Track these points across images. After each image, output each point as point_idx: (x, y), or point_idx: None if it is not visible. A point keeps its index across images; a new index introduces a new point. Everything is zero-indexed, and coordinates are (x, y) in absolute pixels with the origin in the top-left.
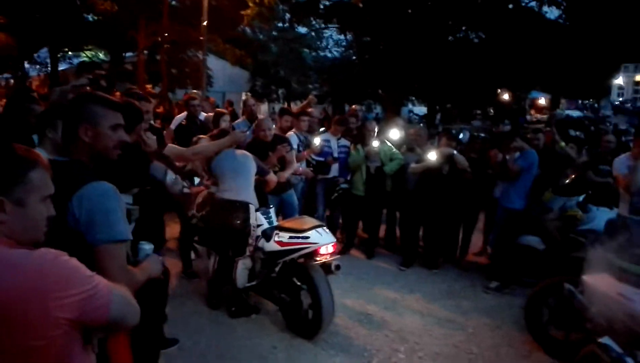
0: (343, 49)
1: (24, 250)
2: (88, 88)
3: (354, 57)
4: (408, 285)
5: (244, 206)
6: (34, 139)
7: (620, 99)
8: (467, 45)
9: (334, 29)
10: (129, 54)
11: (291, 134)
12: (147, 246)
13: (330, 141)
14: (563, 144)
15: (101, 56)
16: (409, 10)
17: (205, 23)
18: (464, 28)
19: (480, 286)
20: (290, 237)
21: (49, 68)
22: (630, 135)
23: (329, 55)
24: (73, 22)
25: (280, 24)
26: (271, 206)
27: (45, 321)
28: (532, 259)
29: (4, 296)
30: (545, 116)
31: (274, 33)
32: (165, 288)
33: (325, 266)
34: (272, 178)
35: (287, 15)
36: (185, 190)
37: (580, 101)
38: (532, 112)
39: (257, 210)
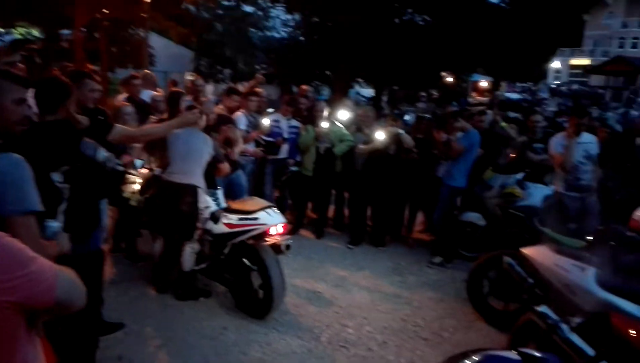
0: (291, 29)
1: None
2: (20, 65)
3: (301, 38)
4: (356, 262)
5: (192, 189)
6: None
7: (557, 82)
8: (413, 28)
9: (281, 8)
10: (65, 31)
11: (239, 115)
12: (54, 224)
13: (280, 121)
14: (504, 124)
15: (35, 33)
16: None
17: None
18: (409, 10)
19: (425, 262)
20: (240, 219)
21: None
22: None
23: (277, 35)
24: None
25: (225, 2)
26: (219, 187)
27: None
28: (473, 234)
29: None
30: (486, 99)
31: (219, 11)
32: (100, 270)
33: (276, 247)
34: (224, 166)
35: None
36: (119, 168)
37: (518, 84)
38: (474, 94)
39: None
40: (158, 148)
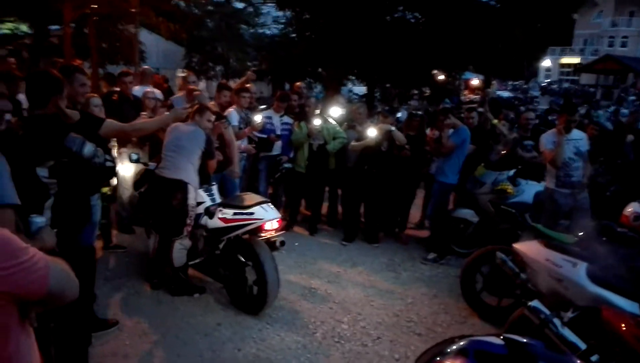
0: (282, 25)
1: None
2: (10, 59)
3: (293, 35)
4: (350, 259)
5: (182, 185)
6: None
7: (548, 80)
8: (404, 25)
9: (273, 5)
10: (54, 27)
11: (231, 111)
12: (39, 219)
13: (272, 118)
14: (495, 121)
15: (24, 28)
16: None
17: None
18: (400, 8)
19: (419, 258)
20: (235, 214)
21: None
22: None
23: (268, 32)
24: None
25: None
26: (213, 183)
27: None
28: (466, 231)
29: None
30: (477, 97)
31: (210, 7)
32: (91, 267)
33: (270, 242)
34: (212, 163)
35: None
36: (108, 164)
37: (510, 82)
38: (466, 92)
39: (200, 188)
40: (152, 143)
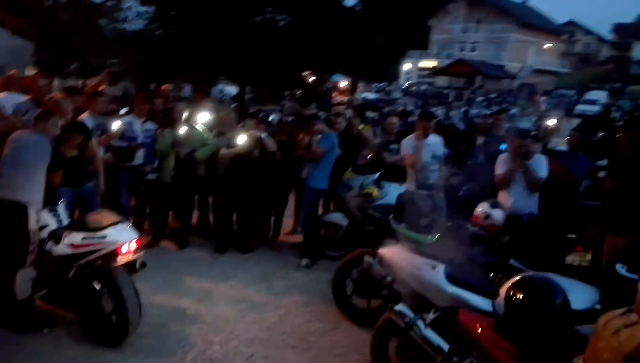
0: (147, 21)
1: None
2: None
3: (159, 32)
4: (223, 272)
5: (20, 207)
6: None
7: (408, 82)
8: (273, 27)
9: None
10: None
11: (85, 117)
12: None
13: (133, 124)
14: (362, 126)
15: None
16: None
17: None
18: (270, 9)
19: (292, 265)
20: (84, 238)
21: None
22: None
23: (130, 28)
24: None
25: None
26: (61, 201)
27: None
28: (336, 234)
29: None
30: (347, 98)
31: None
32: None
33: (129, 265)
34: (56, 176)
35: None
36: None
37: (374, 84)
38: (335, 94)
39: (44, 208)
40: None
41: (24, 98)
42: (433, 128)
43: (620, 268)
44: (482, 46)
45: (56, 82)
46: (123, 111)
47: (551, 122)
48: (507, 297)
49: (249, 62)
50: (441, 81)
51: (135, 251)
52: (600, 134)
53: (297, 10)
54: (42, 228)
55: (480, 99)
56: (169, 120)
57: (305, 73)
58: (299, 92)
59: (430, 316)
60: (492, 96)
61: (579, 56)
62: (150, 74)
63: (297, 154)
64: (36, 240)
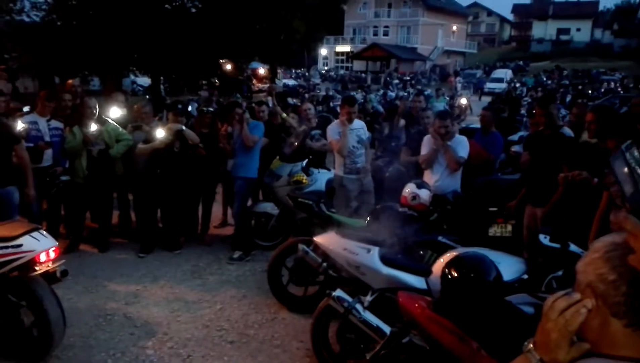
0: (44, 12)
1: None
2: None
3: (59, 23)
4: (150, 272)
5: None
6: None
7: (326, 67)
8: (185, 13)
9: None
10: None
11: None
12: None
13: (38, 122)
14: (284, 115)
15: None
16: None
17: None
18: None
19: (225, 259)
20: None
21: None
22: (337, 101)
23: (27, 19)
24: None
25: None
26: None
27: None
28: (268, 224)
29: None
30: (266, 85)
31: None
32: None
33: (49, 275)
34: None
35: None
36: None
37: (294, 71)
38: (255, 81)
39: None
40: None
41: None
42: (356, 113)
43: (544, 239)
44: (394, 29)
45: None
46: (25, 109)
47: (463, 101)
48: (443, 276)
49: (161, 51)
50: (358, 65)
51: (55, 260)
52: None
53: None
54: None
55: (396, 81)
56: (77, 116)
57: (222, 61)
58: (216, 80)
59: (368, 298)
60: (407, 78)
61: (484, 36)
62: (54, 68)
63: (221, 146)
64: None
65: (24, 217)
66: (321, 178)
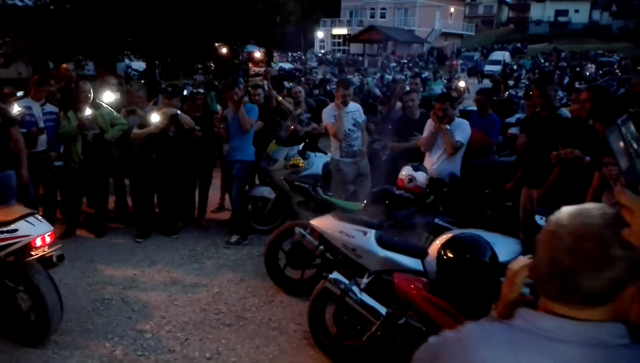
0: None
1: None
2: None
3: (52, 7)
4: (148, 257)
5: None
6: None
7: (323, 51)
8: None
9: None
10: None
11: None
12: None
13: (32, 107)
14: (280, 98)
15: None
16: None
17: None
18: None
19: (222, 243)
20: None
21: None
22: (334, 84)
23: (19, 3)
24: None
25: None
26: None
27: None
28: (264, 208)
29: None
30: (262, 69)
31: None
32: None
33: (45, 259)
34: None
35: None
36: None
37: (290, 54)
38: (251, 65)
39: None
40: None
41: None
42: (352, 96)
43: (539, 219)
44: (391, 11)
45: None
46: (19, 94)
47: (461, 83)
48: (439, 257)
49: (155, 35)
50: (355, 47)
51: (50, 244)
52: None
53: None
54: None
55: (393, 64)
56: (72, 101)
57: (217, 45)
58: (212, 64)
59: (365, 280)
60: (404, 60)
61: (482, 18)
62: (48, 53)
63: (217, 131)
64: None
65: (20, 202)
66: (318, 162)
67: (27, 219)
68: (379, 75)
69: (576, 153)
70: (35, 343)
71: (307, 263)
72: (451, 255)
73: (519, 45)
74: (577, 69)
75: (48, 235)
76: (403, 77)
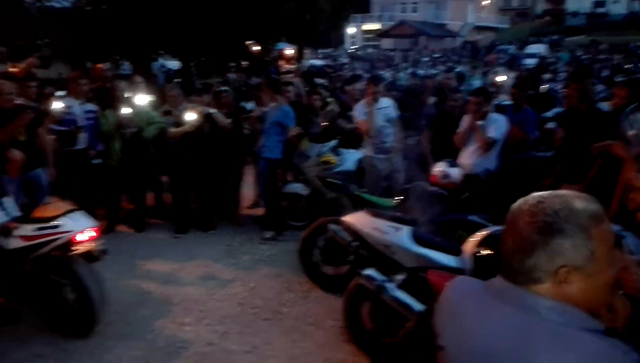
0: None
1: None
2: None
3: (88, 8)
4: (186, 252)
5: None
6: None
7: (354, 47)
8: None
9: None
10: None
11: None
12: None
13: (72, 106)
14: (329, 99)
15: None
16: None
17: None
18: None
19: (257, 239)
20: (37, 229)
21: None
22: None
23: (57, 5)
24: None
25: None
26: (7, 193)
27: None
28: (298, 204)
29: None
30: (294, 66)
31: None
32: None
33: (88, 254)
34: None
35: None
36: None
37: (320, 50)
38: (282, 62)
39: None
40: None
41: None
42: (382, 91)
43: None
44: (422, 6)
45: None
46: (60, 94)
47: (500, 78)
48: (475, 254)
49: (189, 34)
50: (386, 43)
51: (93, 239)
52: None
53: None
54: None
55: (425, 59)
56: (110, 100)
57: (249, 43)
58: (244, 62)
59: (399, 277)
60: (437, 55)
61: (517, 10)
62: (85, 53)
63: (253, 129)
64: None
65: (60, 198)
66: (350, 158)
67: (70, 215)
68: (411, 70)
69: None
70: (81, 334)
71: (341, 259)
72: (487, 252)
73: (555, 37)
74: (617, 61)
75: (91, 230)
76: (436, 72)
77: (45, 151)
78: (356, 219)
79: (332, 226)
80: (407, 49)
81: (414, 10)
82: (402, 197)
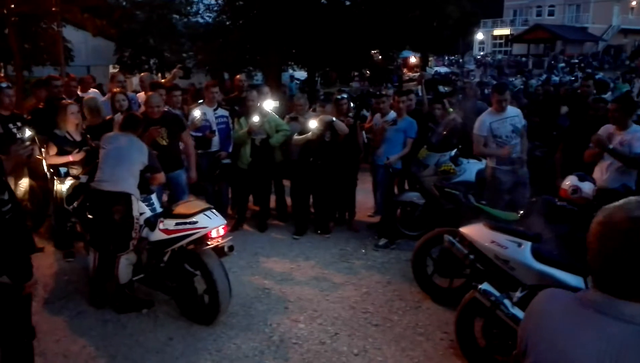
0: (215, 13)
1: None
2: None
3: (228, 23)
4: (303, 253)
5: (125, 197)
6: None
7: (482, 53)
8: (339, 7)
9: None
10: None
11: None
12: None
13: (206, 113)
14: (451, 109)
15: None
16: None
17: None
18: None
19: (370, 245)
20: (177, 224)
21: None
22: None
23: (202, 20)
24: None
25: None
26: (154, 191)
27: None
28: (414, 213)
29: None
30: (417, 74)
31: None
32: (26, 301)
33: (218, 249)
34: (160, 176)
35: None
36: None
37: (446, 57)
38: (405, 70)
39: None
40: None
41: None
42: (509, 100)
43: None
44: (560, 8)
45: (135, 78)
46: (199, 102)
47: None
48: None
49: (317, 44)
50: (518, 48)
51: (223, 236)
52: None
53: None
54: (139, 216)
55: (561, 65)
56: (243, 108)
57: (373, 52)
58: (367, 71)
59: (518, 294)
60: (575, 61)
61: None
62: (223, 65)
63: (375, 138)
64: (138, 227)
65: (198, 197)
66: (471, 168)
67: (205, 213)
68: (544, 77)
69: None
70: (207, 322)
71: (456, 272)
72: None
73: None
74: None
75: (222, 228)
76: (572, 78)
77: (189, 155)
78: (474, 231)
79: (448, 237)
80: (541, 54)
81: (551, 14)
82: (526, 211)
